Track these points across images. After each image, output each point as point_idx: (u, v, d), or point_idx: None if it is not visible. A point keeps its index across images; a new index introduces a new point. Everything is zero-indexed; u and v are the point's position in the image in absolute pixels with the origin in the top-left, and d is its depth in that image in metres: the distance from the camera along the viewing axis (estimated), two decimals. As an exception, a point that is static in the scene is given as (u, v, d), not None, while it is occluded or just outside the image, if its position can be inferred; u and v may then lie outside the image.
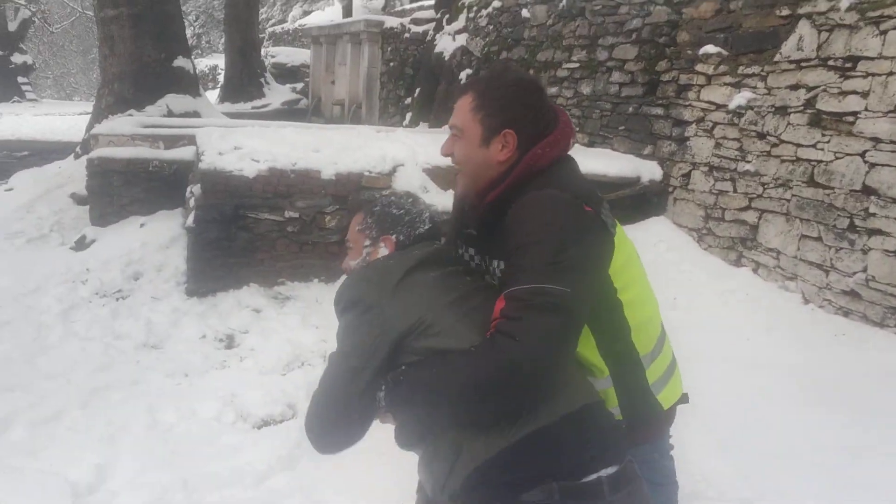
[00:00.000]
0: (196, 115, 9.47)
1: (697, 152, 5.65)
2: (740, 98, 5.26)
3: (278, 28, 28.69)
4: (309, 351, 4.44)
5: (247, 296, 5.29)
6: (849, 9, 4.46)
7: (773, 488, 2.87)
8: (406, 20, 13.80)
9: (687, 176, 5.76)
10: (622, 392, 1.65)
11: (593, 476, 1.44)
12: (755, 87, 5.18)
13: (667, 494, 2.02)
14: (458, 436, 1.47)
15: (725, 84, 5.42)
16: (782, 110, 4.91)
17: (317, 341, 4.56)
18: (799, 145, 4.77)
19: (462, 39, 10.20)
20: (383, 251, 1.73)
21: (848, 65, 4.45)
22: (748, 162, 5.17)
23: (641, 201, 5.92)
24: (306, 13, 28.66)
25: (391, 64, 13.95)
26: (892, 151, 4.14)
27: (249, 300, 5.23)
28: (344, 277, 1.72)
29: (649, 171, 5.99)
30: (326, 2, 26.64)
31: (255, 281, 5.43)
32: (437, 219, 1.83)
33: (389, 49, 14.05)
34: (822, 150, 4.58)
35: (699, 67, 5.66)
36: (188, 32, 12.87)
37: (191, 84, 9.92)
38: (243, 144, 5.50)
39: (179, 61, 9.71)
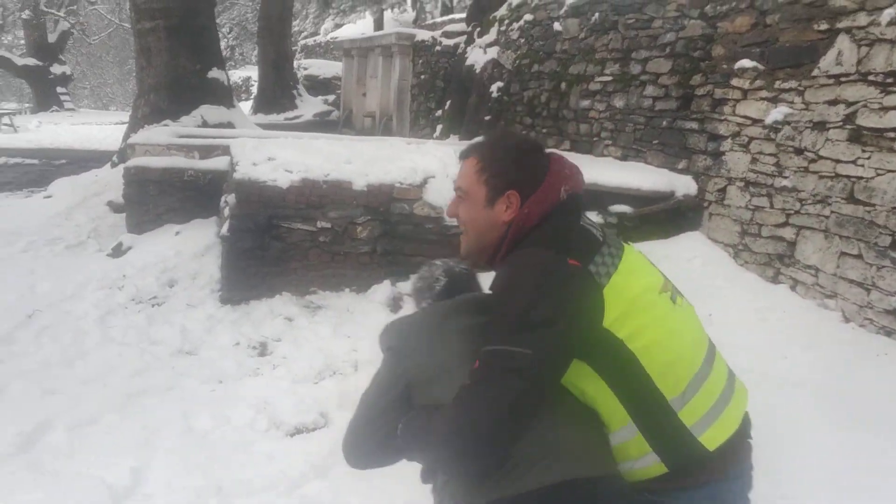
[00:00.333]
0: (230, 125, 9.62)
1: (733, 167, 5.60)
2: (777, 113, 5.20)
3: (310, 41, 29.07)
4: (340, 360, 4.46)
5: (279, 304, 5.33)
6: (890, 23, 4.39)
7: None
8: (437, 33, 13.91)
9: (723, 191, 5.70)
10: (652, 439, 1.55)
11: None
12: (792, 102, 5.11)
13: None
14: (452, 483, 1.55)
15: (762, 99, 5.37)
16: (820, 126, 4.84)
17: (348, 351, 4.58)
18: (838, 161, 4.69)
19: (493, 52, 10.24)
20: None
21: (889, 80, 4.38)
22: (785, 177, 5.10)
23: (676, 216, 5.86)
24: (338, 26, 29.00)
25: (422, 76, 14.04)
26: (936, 168, 4.06)
27: (282, 309, 5.28)
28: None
29: (684, 185, 5.94)
30: (358, 15, 26.90)
31: (287, 290, 5.48)
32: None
33: (420, 62, 14.15)
34: (863, 166, 4.51)
35: (735, 82, 5.61)
36: (222, 44, 13.07)
37: (225, 95, 10.08)
38: (277, 155, 5.57)
39: (214, 73, 9.88)
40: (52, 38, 24.33)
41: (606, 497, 1.49)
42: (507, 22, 10.07)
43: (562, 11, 8.39)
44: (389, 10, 26.13)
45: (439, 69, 13.36)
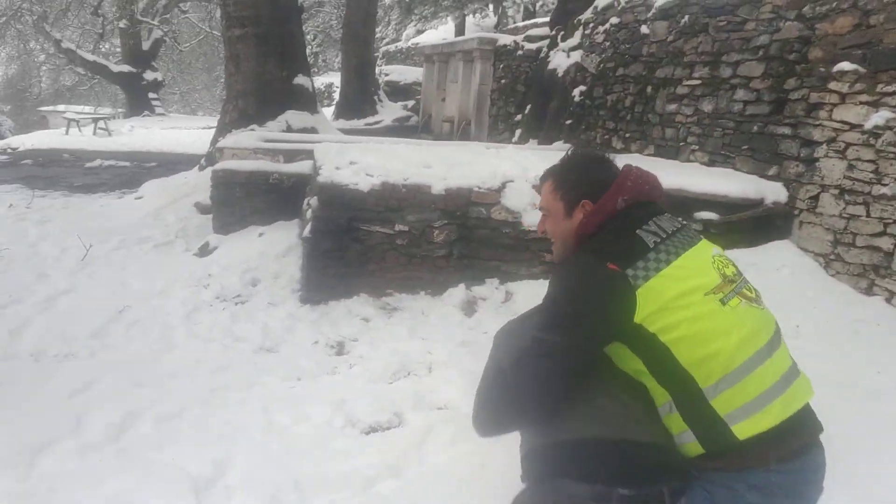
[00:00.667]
0: (313, 130, 9.83)
1: (827, 174, 5.33)
2: (878, 118, 4.93)
3: (392, 47, 29.48)
4: (415, 362, 4.47)
5: (357, 305, 5.40)
6: None
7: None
8: (519, 37, 13.84)
9: (815, 198, 5.44)
10: (686, 418, 1.76)
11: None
12: (895, 107, 4.84)
13: None
14: (525, 440, 1.96)
15: (861, 103, 5.10)
16: (927, 131, 4.56)
17: (422, 352, 4.59)
18: (945, 168, 4.41)
19: (576, 56, 10.12)
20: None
21: None
22: (885, 185, 4.83)
23: (764, 224, 5.63)
24: (419, 32, 29.30)
25: (502, 81, 14.01)
26: None
27: (359, 309, 5.34)
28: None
29: (773, 192, 5.70)
30: (440, 21, 27.09)
31: (364, 291, 5.55)
32: None
33: (501, 66, 14.12)
34: (973, 173, 4.22)
35: (832, 85, 5.35)
36: (307, 51, 13.39)
37: (309, 101, 10.30)
38: (358, 160, 5.65)
39: (299, 79, 10.11)
40: (146, 45, 25.33)
41: (628, 456, 1.75)
42: (591, 25, 9.93)
43: (650, 14, 8.22)
44: (471, 16, 26.20)
45: (520, 73, 13.30)
